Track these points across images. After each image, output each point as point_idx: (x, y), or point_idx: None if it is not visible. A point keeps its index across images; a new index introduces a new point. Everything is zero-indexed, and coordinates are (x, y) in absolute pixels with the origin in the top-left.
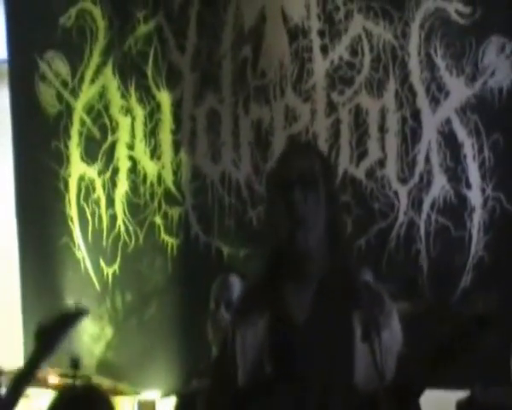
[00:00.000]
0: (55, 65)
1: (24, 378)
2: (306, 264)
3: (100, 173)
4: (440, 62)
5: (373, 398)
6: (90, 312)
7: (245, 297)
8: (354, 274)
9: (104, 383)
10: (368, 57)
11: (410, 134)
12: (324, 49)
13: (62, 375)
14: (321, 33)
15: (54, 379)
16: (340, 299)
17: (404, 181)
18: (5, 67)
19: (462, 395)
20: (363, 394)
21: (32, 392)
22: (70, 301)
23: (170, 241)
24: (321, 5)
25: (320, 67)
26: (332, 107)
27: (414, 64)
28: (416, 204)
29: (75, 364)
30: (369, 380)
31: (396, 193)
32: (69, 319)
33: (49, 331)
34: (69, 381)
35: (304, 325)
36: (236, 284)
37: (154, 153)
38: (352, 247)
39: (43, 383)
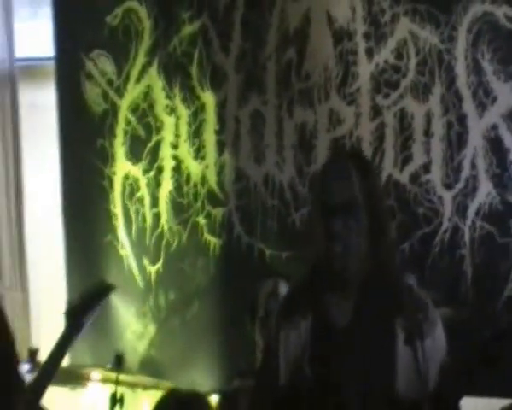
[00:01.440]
0: (101, 64)
1: (56, 356)
2: (346, 274)
3: (144, 172)
4: (488, 67)
5: (414, 405)
6: (116, 289)
7: (288, 300)
8: (398, 279)
9: (146, 381)
10: (413, 61)
11: (456, 139)
12: (369, 52)
13: (106, 372)
14: (366, 36)
15: (97, 376)
16: (383, 304)
17: (448, 186)
18: (52, 65)
19: (504, 402)
20: (403, 400)
21: (76, 388)
22: (114, 298)
23: (213, 241)
24: (366, 7)
25: (365, 70)
26: (376, 110)
27: (460, 68)
28: (460, 210)
29: (119, 361)
30: (410, 387)
31: (441, 198)
32: (96, 295)
33: (77, 310)
34: (112, 378)
35: (345, 330)
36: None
37: (198, 153)
38: (396, 252)
39: (87, 380)
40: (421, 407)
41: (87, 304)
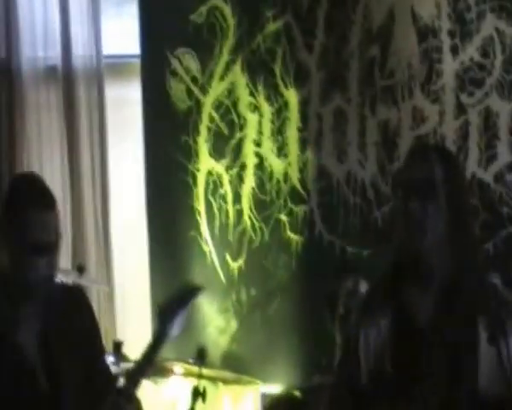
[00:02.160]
0: (186, 61)
1: (148, 356)
2: (426, 265)
3: (227, 169)
4: None
5: (498, 404)
6: (204, 289)
7: (369, 298)
8: (481, 277)
9: (227, 375)
10: (499, 58)
11: None
12: (454, 50)
13: (188, 365)
14: (451, 33)
15: (179, 369)
16: (466, 302)
17: None
18: (138, 62)
19: None
20: (487, 399)
21: (159, 381)
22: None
23: (294, 238)
24: (452, 4)
25: (449, 67)
26: (461, 108)
27: None
28: None
29: (201, 355)
30: (494, 385)
31: None
32: (186, 295)
33: (168, 310)
34: (194, 372)
35: (426, 327)
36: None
37: (281, 150)
38: (478, 250)
39: (170, 373)
40: (504, 406)
41: (177, 305)
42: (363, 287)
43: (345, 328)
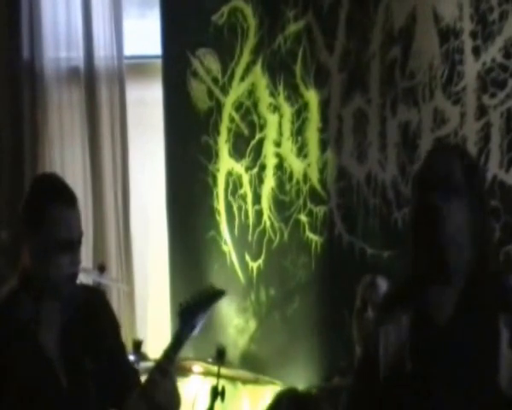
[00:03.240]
0: (207, 62)
1: (170, 356)
2: (447, 264)
3: (247, 169)
4: None
5: None
6: (226, 293)
7: (390, 295)
8: (502, 278)
9: (246, 375)
10: None
11: None
12: (476, 51)
13: (207, 365)
14: (473, 34)
15: (199, 369)
16: (486, 302)
17: None
18: (159, 63)
19: None
20: (507, 398)
21: (178, 380)
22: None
23: (314, 239)
24: (474, 5)
25: (471, 69)
26: (482, 110)
27: None
28: None
29: (221, 354)
30: None
31: None
32: (209, 298)
33: (189, 311)
34: (213, 371)
35: (447, 326)
36: (384, 286)
37: (301, 151)
38: (500, 252)
39: (189, 372)
40: None
41: (199, 306)
42: (381, 282)
43: (361, 321)
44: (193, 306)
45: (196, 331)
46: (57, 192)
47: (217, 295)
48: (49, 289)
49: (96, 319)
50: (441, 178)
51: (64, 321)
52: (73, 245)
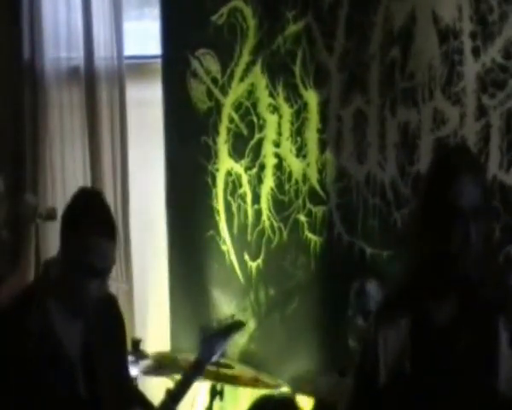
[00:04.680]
0: (206, 62)
1: (189, 378)
2: (455, 273)
3: (246, 169)
4: None
5: None
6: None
7: (388, 298)
8: (501, 279)
9: (246, 373)
10: None
11: None
12: (476, 52)
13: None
14: (473, 35)
15: None
16: (486, 303)
17: None
18: (159, 63)
19: None
20: (506, 400)
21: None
22: (215, 292)
23: (313, 239)
24: (474, 6)
25: (471, 69)
26: (482, 110)
27: None
28: None
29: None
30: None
31: None
32: (230, 329)
33: (211, 338)
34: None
35: (446, 328)
36: (374, 292)
37: (300, 151)
38: (500, 253)
39: None
40: None
41: (220, 335)
42: (371, 288)
43: (353, 329)
44: (215, 334)
45: (215, 358)
46: (102, 224)
47: (237, 326)
48: (73, 307)
49: (111, 326)
50: (470, 206)
51: (84, 326)
52: (105, 273)
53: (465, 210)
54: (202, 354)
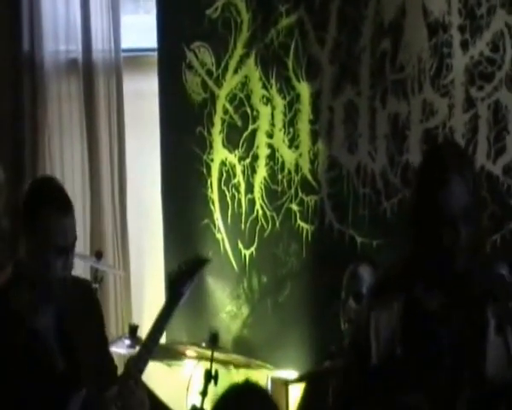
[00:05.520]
0: (201, 55)
1: (160, 325)
2: (446, 264)
3: (240, 159)
4: None
5: (505, 390)
6: (211, 261)
7: (381, 281)
8: (490, 267)
9: (239, 359)
10: (509, 53)
11: None
12: (464, 45)
13: (201, 349)
14: (461, 28)
15: (192, 353)
16: (476, 290)
17: None
18: (155, 55)
19: None
20: (493, 385)
21: (172, 364)
22: (210, 279)
23: (305, 227)
24: (462, 0)
25: (459, 62)
26: (470, 102)
27: None
28: None
29: (213, 339)
30: (499, 373)
31: None
32: (195, 266)
33: (177, 280)
34: (207, 355)
35: (437, 313)
36: (366, 275)
37: (293, 142)
38: (487, 241)
39: (183, 356)
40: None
41: (185, 275)
42: (363, 272)
43: (345, 312)
44: (180, 275)
45: (184, 299)
46: (54, 200)
47: (201, 263)
48: (41, 288)
49: (83, 311)
50: (458, 210)
51: (57, 311)
52: (67, 250)
53: (455, 210)
54: (170, 297)
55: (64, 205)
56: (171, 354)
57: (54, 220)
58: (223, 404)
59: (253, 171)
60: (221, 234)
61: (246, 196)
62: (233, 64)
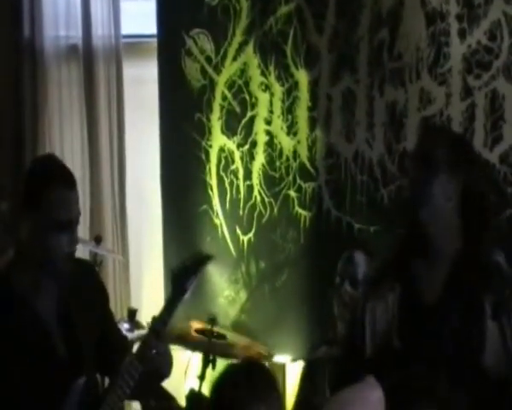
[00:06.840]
0: (201, 42)
1: (163, 319)
2: (434, 242)
3: (239, 146)
4: None
5: (503, 379)
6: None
7: (377, 272)
8: (486, 256)
9: (240, 341)
10: (507, 42)
11: None
12: (462, 34)
13: (200, 331)
14: (459, 17)
15: (193, 338)
16: (472, 280)
17: None
18: (155, 42)
19: None
20: (491, 374)
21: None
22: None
23: (303, 214)
24: None
25: (457, 50)
26: (467, 91)
27: None
28: None
29: (212, 324)
30: (497, 362)
31: None
32: (198, 263)
33: (181, 275)
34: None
35: (434, 305)
36: (362, 261)
37: (291, 129)
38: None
39: (184, 340)
40: (509, 382)
41: (189, 270)
42: (359, 257)
43: (339, 297)
44: (183, 271)
45: (187, 295)
46: (57, 174)
47: (205, 259)
48: (47, 266)
49: (86, 290)
50: (423, 156)
51: (60, 292)
52: (72, 225)
53: (415, 174)
54: (174, 292)
55: (68, 179)
56: (170, 338)
57: (59, 194)
58: (223, 379)
59: (252, 157)
60: (219, 220)
61: (244, 182)
62: (232, 51)
